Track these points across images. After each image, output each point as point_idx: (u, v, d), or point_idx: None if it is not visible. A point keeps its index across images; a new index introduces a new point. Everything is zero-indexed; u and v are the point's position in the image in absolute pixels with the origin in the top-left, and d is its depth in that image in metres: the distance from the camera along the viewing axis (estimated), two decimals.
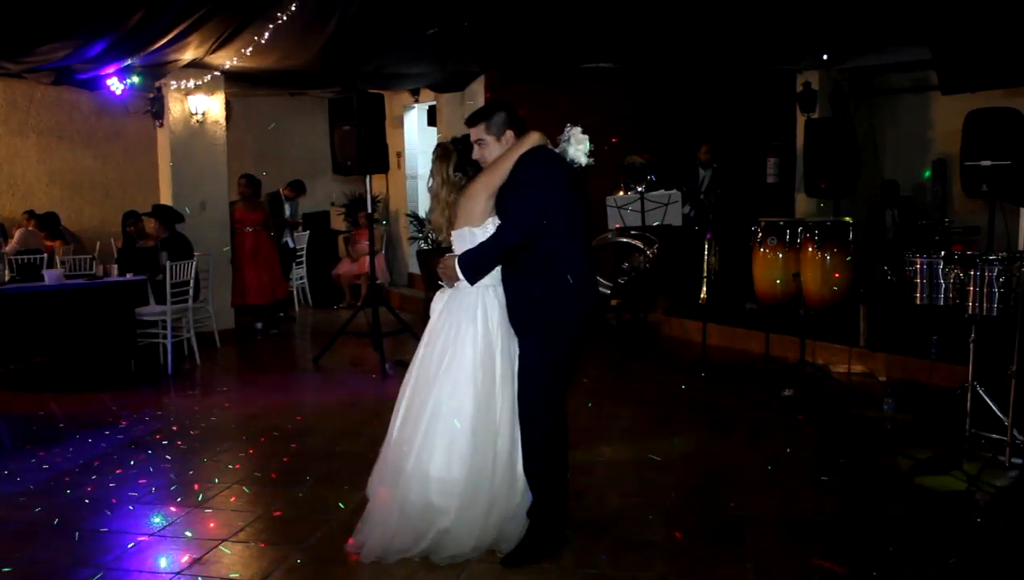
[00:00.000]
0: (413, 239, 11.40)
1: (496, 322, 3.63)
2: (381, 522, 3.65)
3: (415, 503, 3.57)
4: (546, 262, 3.57)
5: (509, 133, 3.71)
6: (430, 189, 3.85)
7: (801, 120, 9.30)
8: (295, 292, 11.12)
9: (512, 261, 3.62)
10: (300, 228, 11.24)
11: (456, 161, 3.81)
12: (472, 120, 3.76)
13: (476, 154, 3.74)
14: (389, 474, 3.68)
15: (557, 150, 3.75)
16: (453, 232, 3.71)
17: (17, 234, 9.88)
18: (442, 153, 3.86)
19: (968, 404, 4.99)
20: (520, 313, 3.62)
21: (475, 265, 3.59)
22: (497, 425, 3.59)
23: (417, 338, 3.88)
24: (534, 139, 3.66)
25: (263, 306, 9.50)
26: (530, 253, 3.57)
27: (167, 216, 8.40)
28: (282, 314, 10.16)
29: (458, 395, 3.58)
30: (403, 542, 3.60)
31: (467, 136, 3.79)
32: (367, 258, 10.07)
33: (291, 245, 10.59)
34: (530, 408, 3.59)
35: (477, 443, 3.55)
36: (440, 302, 3.75)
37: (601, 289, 9.14)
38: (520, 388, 3.62)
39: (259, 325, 9.57)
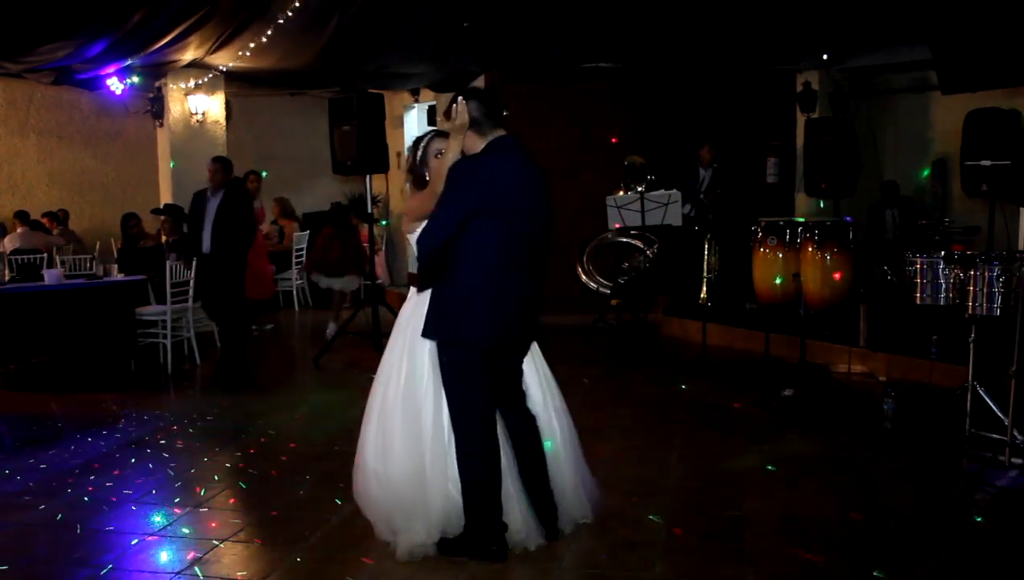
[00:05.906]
0: None
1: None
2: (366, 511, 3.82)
3: (367, 496, 3.74)
4: (449, 273, 3.53)
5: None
6: None
7: (801, 120, 9.30)
8: (294, 292, 11.07)
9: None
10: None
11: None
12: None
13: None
14: (356, 466, 3.85)
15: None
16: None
17: (20, 230, 9.80)
18: (414, 143, 3.94)
19: (968, 404, 4.99)
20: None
21: (418, 271, 3.66)
22: (423, 423, 3.63)
23: None
24: (468, 145, 3.53)
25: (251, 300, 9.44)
26: (443, 260, 3.55)
27: (179, 216, 8.37)
28: (270, 326, 9.90)
29: (389, 393, 3.71)
30: (385, 535, 3.72)
31: (433, 131, 3.87)
32: None
33: None
34: (450, 410, 3.60)
35: (406, 439, 3.64)
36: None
37: (601, 289, 9.16)
38: None
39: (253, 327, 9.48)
